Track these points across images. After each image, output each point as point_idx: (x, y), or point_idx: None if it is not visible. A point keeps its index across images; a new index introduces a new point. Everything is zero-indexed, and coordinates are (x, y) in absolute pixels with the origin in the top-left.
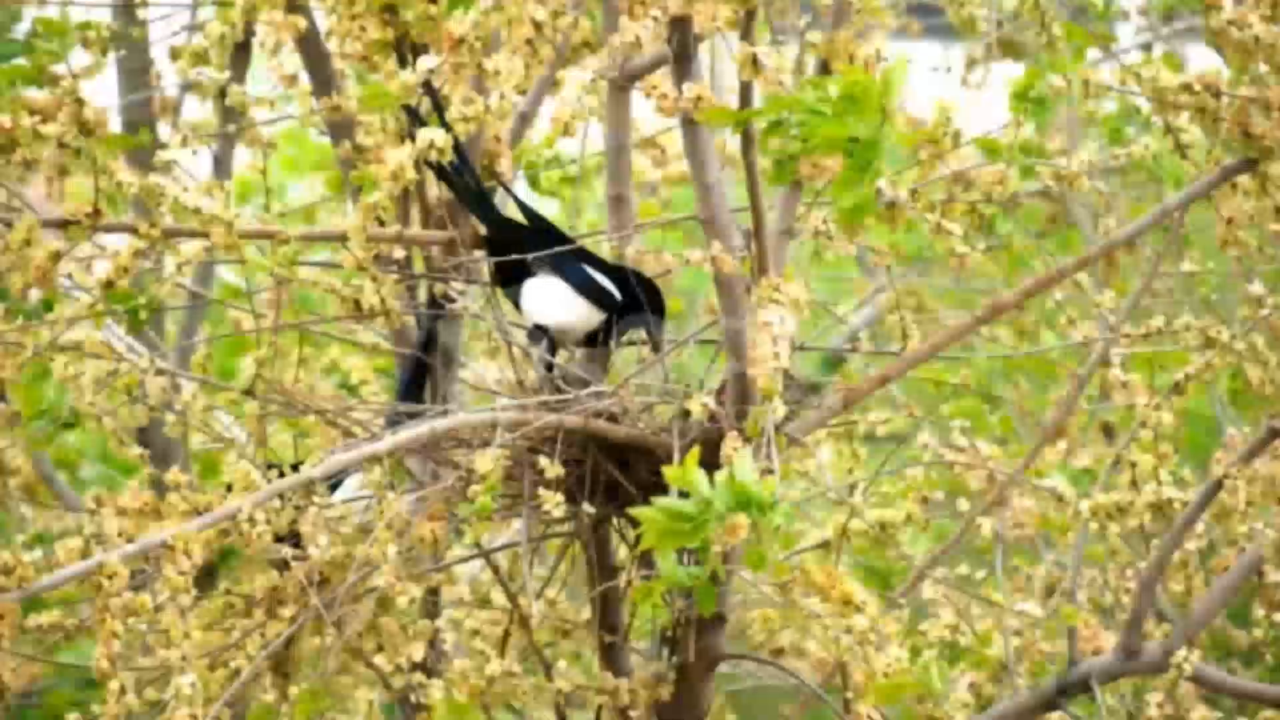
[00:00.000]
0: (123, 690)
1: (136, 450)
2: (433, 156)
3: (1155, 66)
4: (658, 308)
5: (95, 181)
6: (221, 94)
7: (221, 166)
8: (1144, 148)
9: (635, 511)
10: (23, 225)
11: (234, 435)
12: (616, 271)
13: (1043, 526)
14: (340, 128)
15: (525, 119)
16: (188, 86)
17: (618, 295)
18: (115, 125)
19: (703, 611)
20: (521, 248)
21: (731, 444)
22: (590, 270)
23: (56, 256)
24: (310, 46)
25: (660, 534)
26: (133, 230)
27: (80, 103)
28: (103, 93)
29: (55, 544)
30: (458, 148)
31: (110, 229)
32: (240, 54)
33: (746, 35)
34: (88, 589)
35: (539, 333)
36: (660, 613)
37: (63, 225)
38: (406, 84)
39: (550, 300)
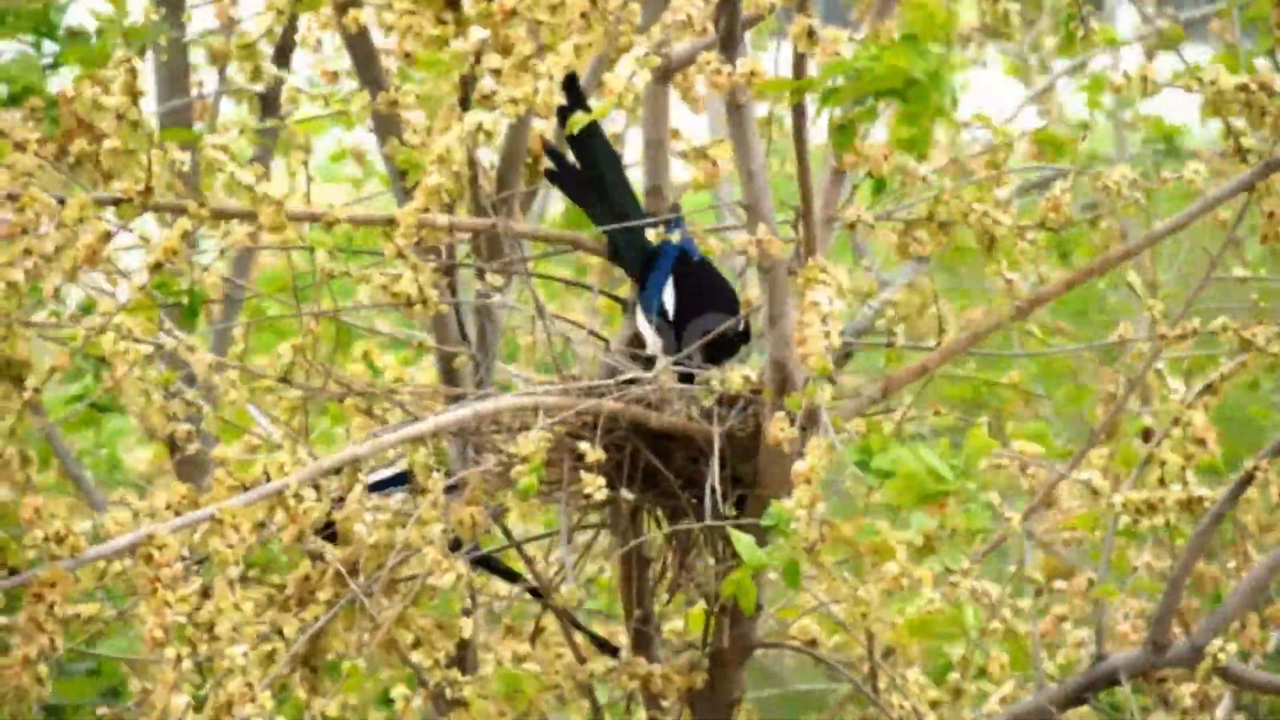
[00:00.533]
0: (179, 658)
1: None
2: (481, 140)
3: (1215, 69)
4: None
5: (149, 159)
6: (263, 98)
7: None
8: (1194, 172)
9: (892, 461)
10: (75, 202)
11: (268, 432)
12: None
13: (1079, 524)
14: (387, 126)
15: None
16: (225, 91)
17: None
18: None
19: (791, 585)
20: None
21: (779, 424)
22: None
23: (107, 236)
24: (358, 44)
25: (909, 489)
26: (182, 211)
27: (134, 73)
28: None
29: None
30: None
31: (161, 208)
32: (281, 56)
33: (803, 7)
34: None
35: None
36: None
37: (114, 203)
38: (458, 53)
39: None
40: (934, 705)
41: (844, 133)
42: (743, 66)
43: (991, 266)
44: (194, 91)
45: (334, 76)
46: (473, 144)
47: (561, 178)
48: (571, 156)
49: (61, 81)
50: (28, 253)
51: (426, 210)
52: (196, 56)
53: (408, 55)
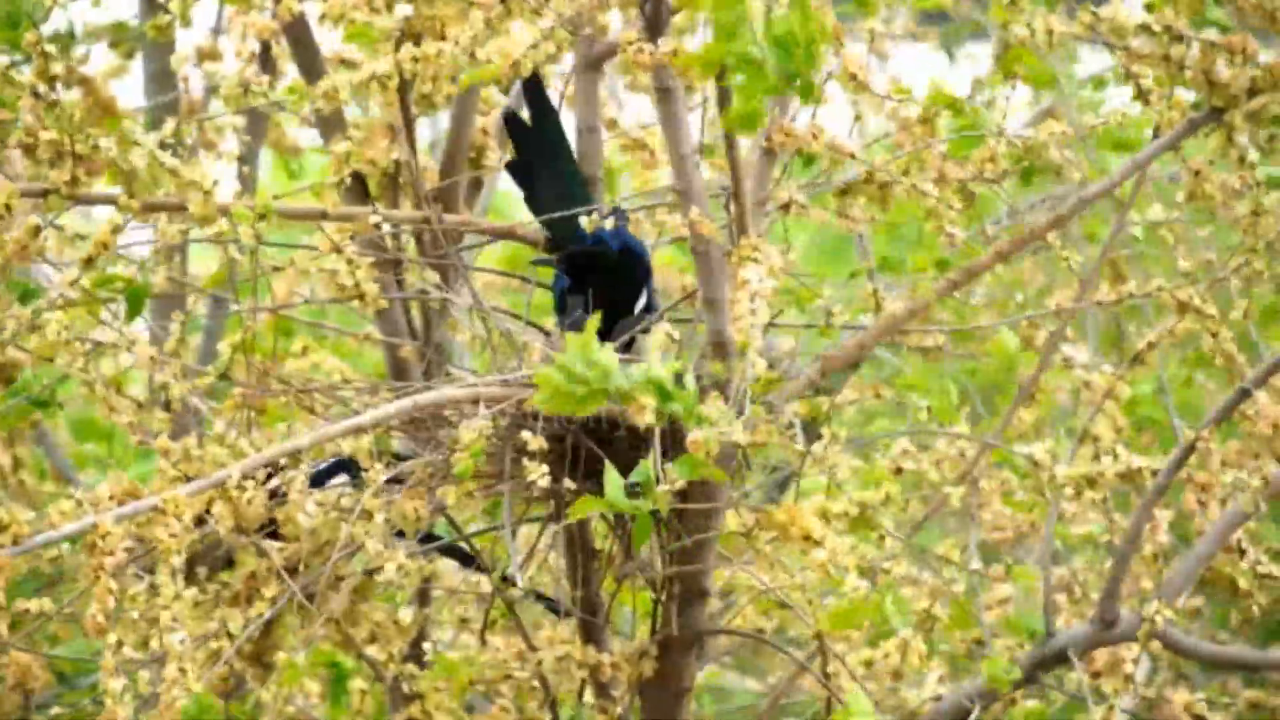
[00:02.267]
0: (119, 644)
1: (125, 418)
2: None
3: (1115, 6)
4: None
5: (71, 147)
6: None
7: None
8: (1123, 116)
9: (536, 374)
10: (1, 191)
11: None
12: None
13: (1017, 508)
14: (332, 126)
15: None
16: (213, 89)
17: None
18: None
19: (635, 544)
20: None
21: (712, 401)
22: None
23: (36, 231)
24: (299, 38)
25: (553, 393)
26: (112, 202)
27: (46, 56)
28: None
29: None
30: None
31: (89, 200)
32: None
33: None
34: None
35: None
36: (642, 597)
37: (41, 195)
38: (385, 28)
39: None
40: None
41: (747, 119)
42: (664, 45)
43: (932, 222)
44: (180, 89)
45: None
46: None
47: (516, 167)
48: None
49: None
50: None
51: (350, 189)
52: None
53: (343, 61)
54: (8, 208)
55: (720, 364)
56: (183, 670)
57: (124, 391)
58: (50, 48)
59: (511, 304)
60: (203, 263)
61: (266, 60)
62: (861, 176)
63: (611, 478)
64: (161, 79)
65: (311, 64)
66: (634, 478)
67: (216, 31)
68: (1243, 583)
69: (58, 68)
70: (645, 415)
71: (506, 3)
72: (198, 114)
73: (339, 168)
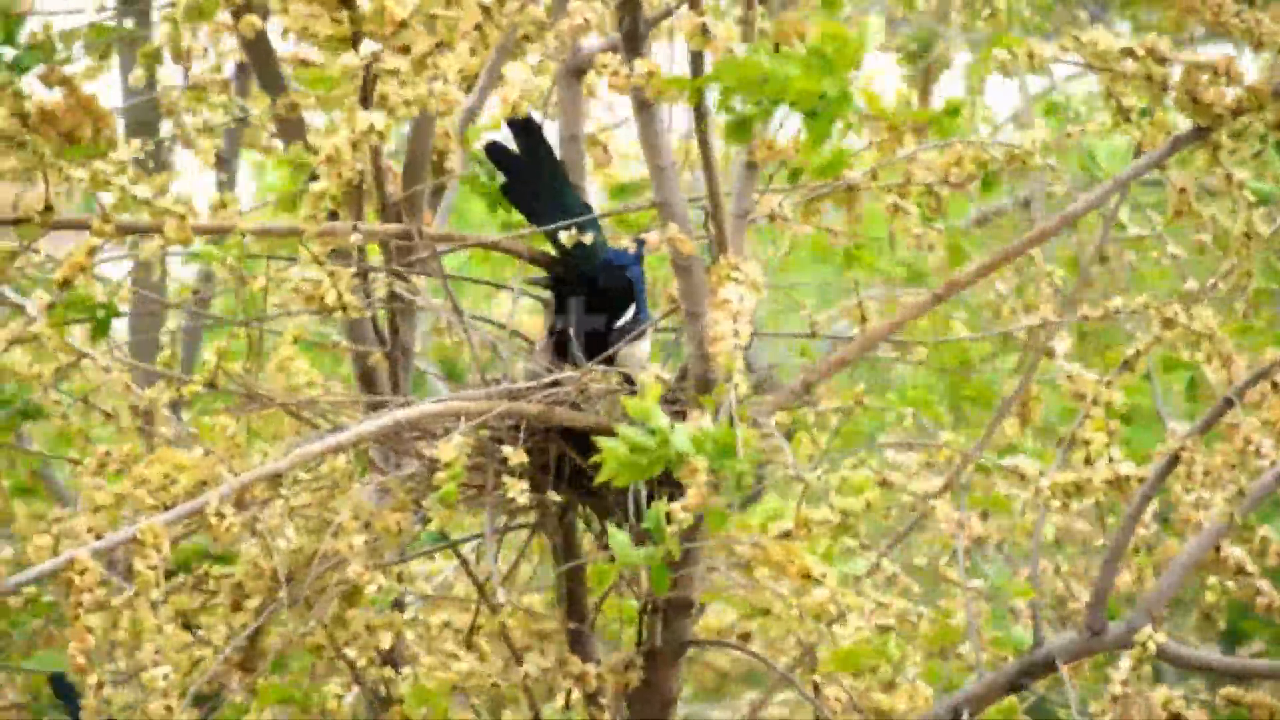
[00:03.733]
0: (100, 685)
1: (102, 448)
2: (373, 140)
3: (1096, 32)
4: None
5: (44, 176)
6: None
7: (227, 168)
8: (1100, 124)
9: (600, 441)
10: None
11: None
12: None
13: (994, 505)
14: (291, 130)
15: (472, 114)
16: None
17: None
18: (120, 127)
19: (656, 592)
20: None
21: (697, 420)
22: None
23: (12, 256)
24: (256, 47)
25: (619, 465)
26: (86, 227)
27: (19, 95)
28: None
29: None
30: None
31: (64, 226)
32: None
33: (695, 4)
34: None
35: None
36: (627, 608)
37: (15, 223)
38: (348, 67)
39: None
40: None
41: (740, 130)
42: (640, 67)
43: (898, 225)
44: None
45: (225, 85)
46: (368, 143)
47: (510, 186)
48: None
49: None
50: None
51: (314, 216)
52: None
53: (303, 62)
54: None
55: (699, 377)
56: (169, 709)
57: (91, 404)
58: (18, 80)
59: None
60: (182, 268)
61: (243, 67)
62: (829, 184)
63: (616, 535)
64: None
65: (270, 70)
66: (645, 524)
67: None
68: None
69: (27, 105)
70: (697, 478)
71: (484, 31)
72: (176, 114)
73: (315, 205)
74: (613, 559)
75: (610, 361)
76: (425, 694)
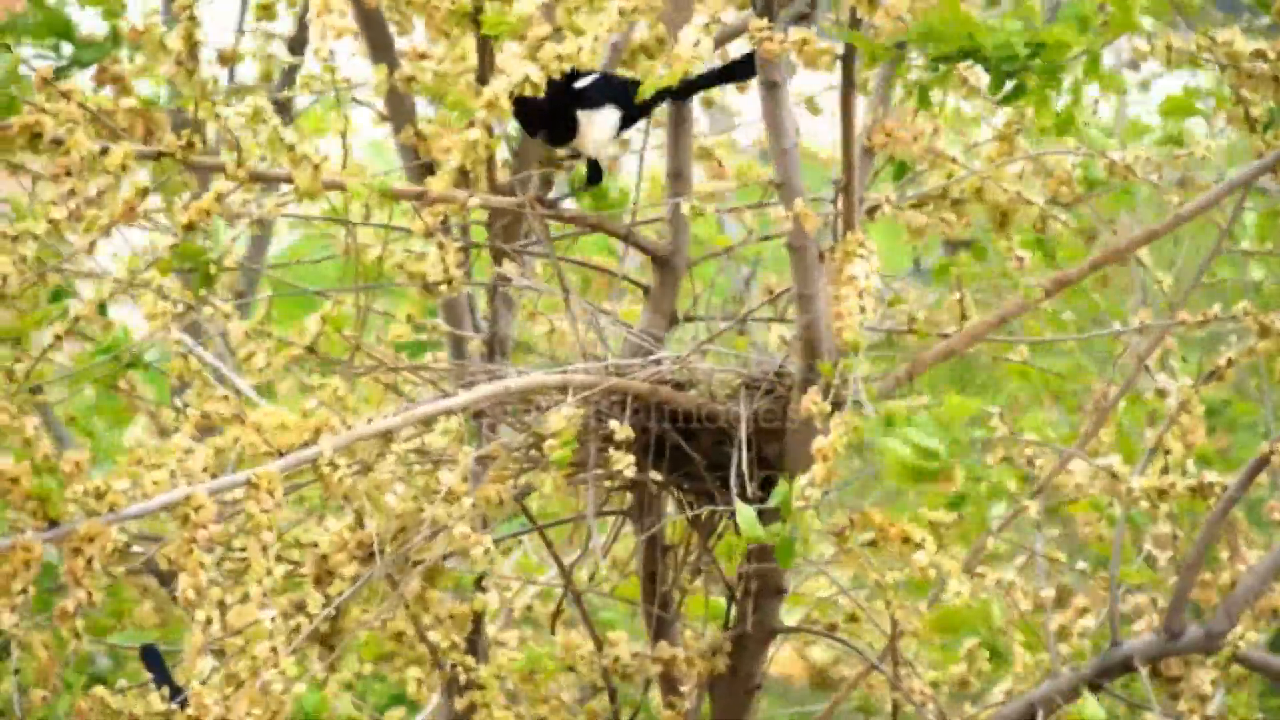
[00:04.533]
0: (209, 621)
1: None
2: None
3: (1232, 32)
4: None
5: (195, 111)
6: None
7: None
8: (1205, 147)
9: (883, 445)
10: (118, 151)
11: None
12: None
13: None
14: (401, 115)
15: None
16: (237, 90)
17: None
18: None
19: (783, 565)
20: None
21: (813, 398)
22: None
23: (145, 193)
24: (374, 28)
25: (902, 470)
26: (221, 169)
27: (194, 20)
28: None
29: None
30: None
31: (201, 166)
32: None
33: None
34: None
35: None
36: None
37: (157, 156)
38: (523, 16)
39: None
40: (936, 686)
41: (922, 95)
42: (795, 34)
43: (1003, 243)
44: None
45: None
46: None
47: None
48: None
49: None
50: (72, 193)
51: (466, 178)
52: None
53: (421, 55)
54: (123, 167)
55: (808, 357)
56: (274, 649)
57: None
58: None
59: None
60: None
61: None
62: (969, 188)
63: (743, 510)
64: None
65: (384, 43)
66: (773, 500)
67: (240, 33)
68: None
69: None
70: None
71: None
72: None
73: (468, 152)
74: (705, 541)
75: (568, 128)
76: (535, 658)
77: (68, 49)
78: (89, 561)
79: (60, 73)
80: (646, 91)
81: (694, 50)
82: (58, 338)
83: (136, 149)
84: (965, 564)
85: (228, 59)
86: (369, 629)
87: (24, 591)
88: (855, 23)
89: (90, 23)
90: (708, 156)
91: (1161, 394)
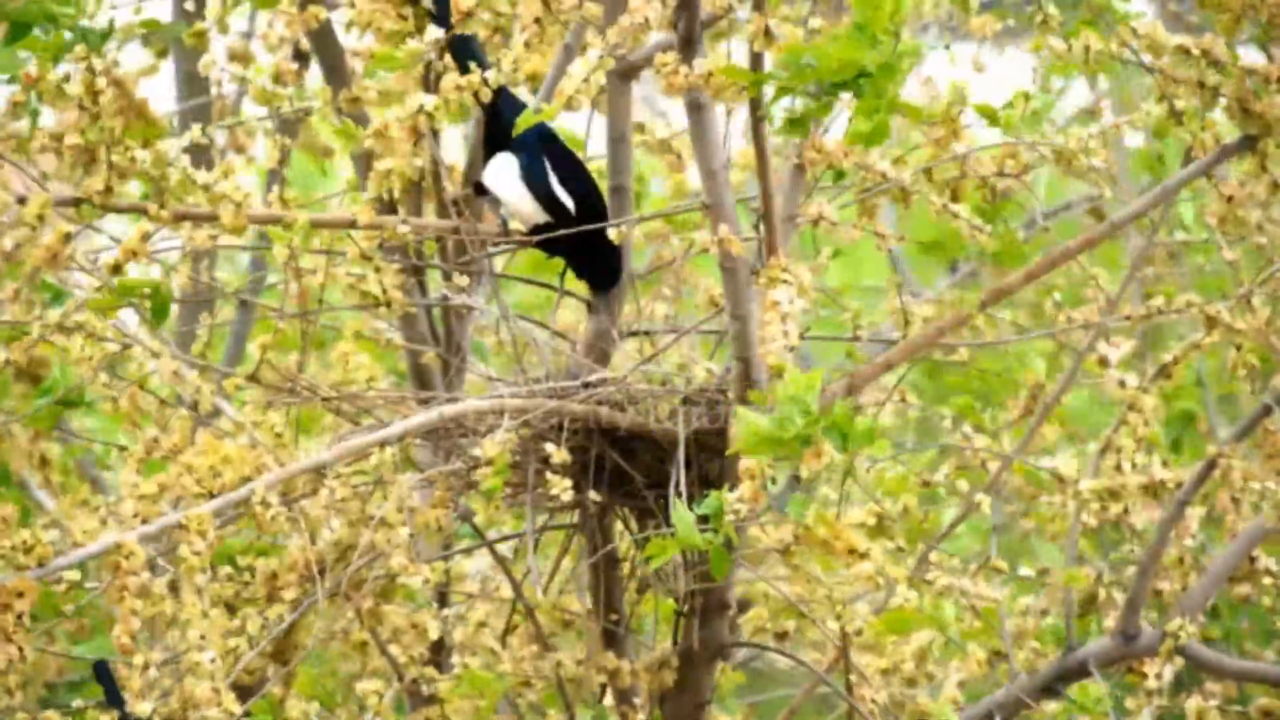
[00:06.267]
0: (146, 666)
1: (151, 433)
2: (422, 122)
3: (1153, 25)
4: (612, 261)
5: (107, 156)
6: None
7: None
8: (1146, 114)
9: (740, 412)
10: (35, 202)
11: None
12: (590, 197)
13: (1039, 520)
14: (355, 123)
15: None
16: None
17: (570, 208)
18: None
19: (716, 576)
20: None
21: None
22: (550, 172)
23: (67, 238)
24: (323, 42)
25: (758, 440)
26: (143, 211)
27: (93, 70)
28: (161, 97)
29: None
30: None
31: (121, 209)
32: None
33: (759, 6)
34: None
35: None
36: (664, 606)
37: (75, 203)
38: (414, 51)
39: (502, 175)
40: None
41: (797, 125)
42: (700, 67)
43: (950, 226)
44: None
45: (297, 75)
46: (424, 127)
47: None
48: None
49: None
50: None
51: (380, 198)
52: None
53: (373, 56)
54: (39, 218)
55: (742, 378)
56: (216, 690)
57: (146, 388)
58: (84, 50)
59: (529, 309)
60: (229, 264)
61: (300, 61)
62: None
63: (681, 514)
64: (193, 81)
65: (336, 64)
66: (702, 509)
67: (248, 35)
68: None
69: (101, 82)
70: (754, 474)
71: (542, 25)
72: (230, 116)
73: (380, 183)
74: (649, 559)
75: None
76: (479, 681)
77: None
78: (19, 617)
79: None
80: (521, 126)
81: (581, 85)
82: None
83: (56, 196)
84: (913, 572)
85: (238, 57)
86: (324, 643)
87: None
88: (756, 56)
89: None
90: (668, 150)
91: (1123, 385)
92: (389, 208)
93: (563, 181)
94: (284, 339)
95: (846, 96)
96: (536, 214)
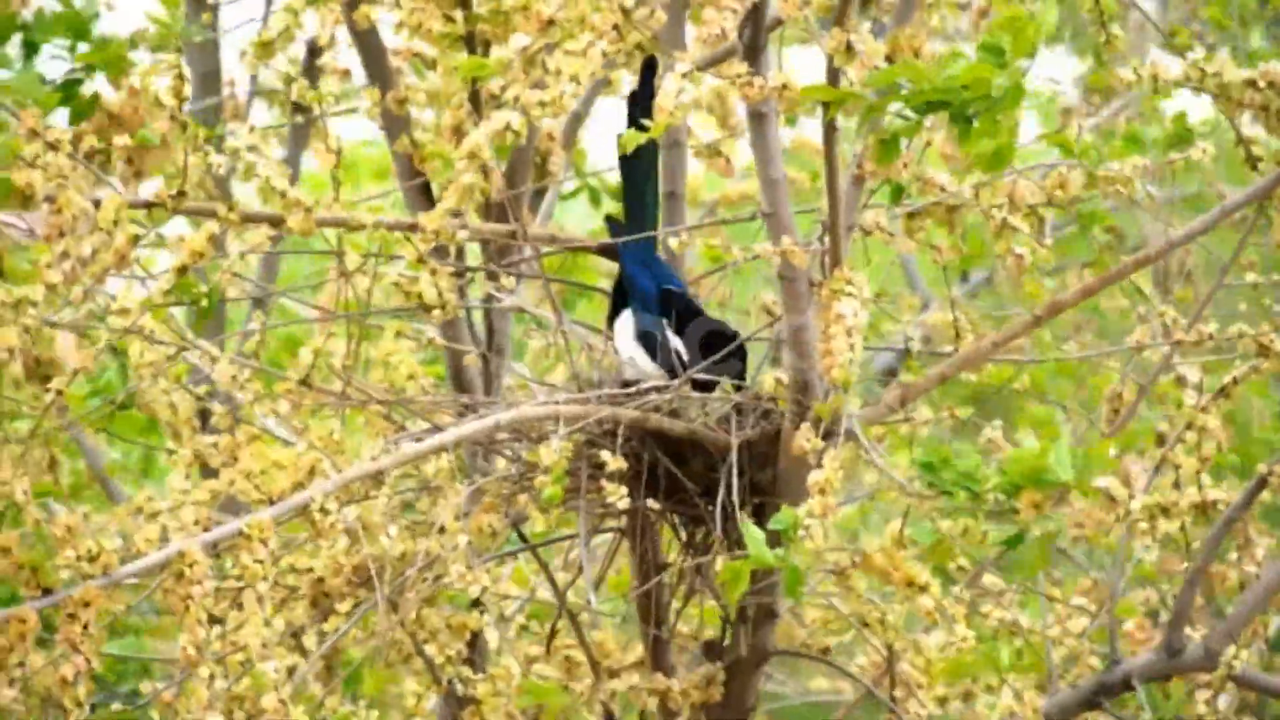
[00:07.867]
0: (212, 677)
1: (207, 439)
2: (508, 139)
3: (1220, 62)
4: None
5: (185, 160)
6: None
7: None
8: (1201, 151)
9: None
10: (110, 204)
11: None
12: (713, 335)
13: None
14: (396, 124)
15: (578, 118)
16: (257, 91)
17: (684, 355)
18: None
19: (789, 595)
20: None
21: (805, 435)
22: (658, 326)
23: (136, 240)
24: (367, 41)
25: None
26: (212, 214)
27: (181, 77)
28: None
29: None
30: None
31: (192, 212)
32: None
33: (841, 21)
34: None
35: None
36: (710, 612)
37: (147, 207)
38: (501, 60)
39: (622, 336)
40: (942, 702)
41: (889, 146)
42: (774, 79)
43: (1002, 244)
44: (225, 91)
45: (346, 74)
46: (500, 142)
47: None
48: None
49: (94, 85)
50: (65, 255)
51: (458, 212)
52: (229, 54)
53: (416, 55)
54: (115, 221)
55: (798, 390)
56: (283, 702)
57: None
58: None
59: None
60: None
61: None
62: (930, 200)
63: (751, 532)
64: (207, 82)
65: (379, 64)
66: (775, 524)
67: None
68: None
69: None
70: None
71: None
72: (242, 117)
73: (462, 197)
74: (698, 568)
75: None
76: (539, 691)
77: (83, 48)
78: (85, 627)
79: (71, 84)
80: (626, 146)
81: (676, 100)
82: (59, 393)
83: (128, 199)
84: (963, 596)
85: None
86: (367, 649)
87: (21, 665)
88: (833, 71)
89: (105, 23)
90: (715, 154)
91: (1184, 384)
92: (428, 208)
93: (682, 335)
94: (295, 340)
95: (932, 119)
96: (659, 377)
